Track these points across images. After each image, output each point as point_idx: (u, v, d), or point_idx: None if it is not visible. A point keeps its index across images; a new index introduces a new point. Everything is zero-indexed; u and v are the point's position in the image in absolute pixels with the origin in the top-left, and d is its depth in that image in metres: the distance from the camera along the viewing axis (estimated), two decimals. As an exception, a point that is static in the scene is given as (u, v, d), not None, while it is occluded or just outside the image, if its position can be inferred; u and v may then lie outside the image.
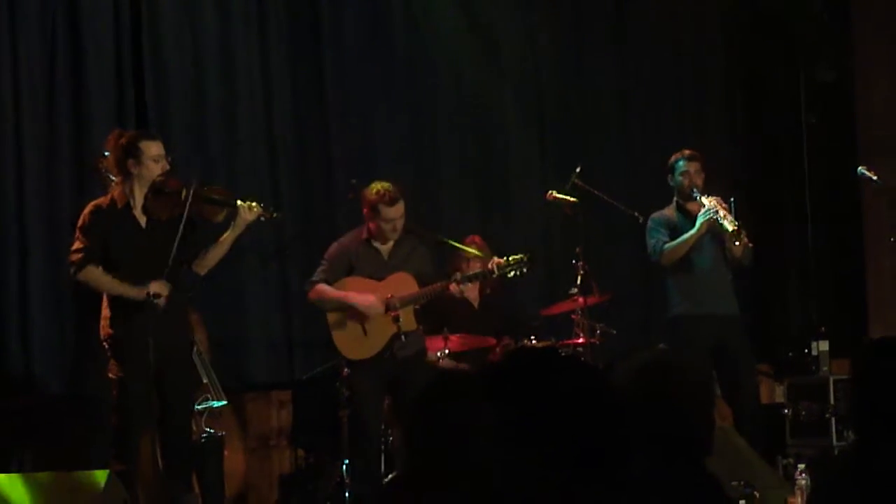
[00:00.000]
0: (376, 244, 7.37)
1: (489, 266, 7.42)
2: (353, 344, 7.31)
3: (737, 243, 7.60)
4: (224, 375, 7.59)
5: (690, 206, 7.82)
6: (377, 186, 7.28)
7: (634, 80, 9.90)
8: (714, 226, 7.64)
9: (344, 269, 7.34)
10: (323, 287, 7.30)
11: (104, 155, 6.81)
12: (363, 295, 7.25)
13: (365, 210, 7.34)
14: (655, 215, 7.92)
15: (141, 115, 8.02)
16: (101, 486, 5.57)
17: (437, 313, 7.75)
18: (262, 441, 8.50)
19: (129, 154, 6.38)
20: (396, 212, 7.27)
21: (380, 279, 7.32)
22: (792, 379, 9.02)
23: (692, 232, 7.70)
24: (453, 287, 7.32)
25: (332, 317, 7.32)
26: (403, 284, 7.32)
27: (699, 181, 7.80)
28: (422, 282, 7.33)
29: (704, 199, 7.70)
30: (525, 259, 7.36)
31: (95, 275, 6.37)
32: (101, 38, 7.93)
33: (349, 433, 7.58)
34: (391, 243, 7.36)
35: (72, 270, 6.41)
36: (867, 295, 10.18)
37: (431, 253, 7.63)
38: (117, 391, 6.30)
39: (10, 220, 7.66)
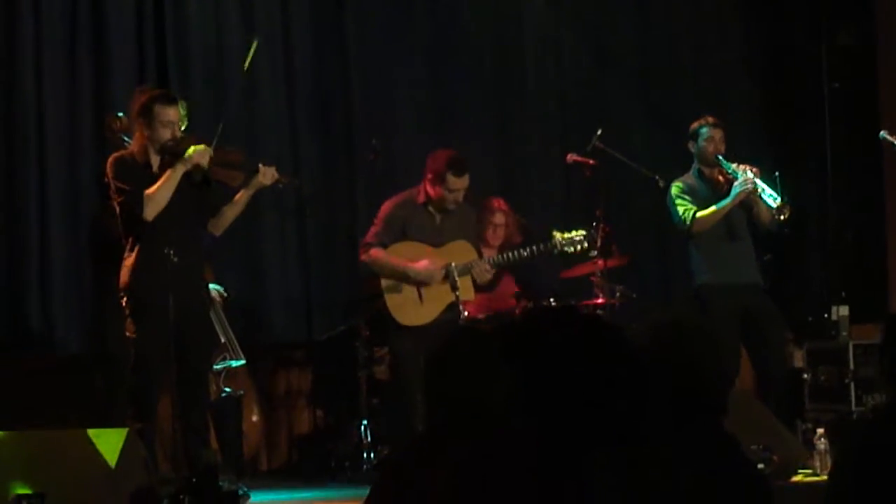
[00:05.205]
0: (431, 209, 7.31)
1: (553, 242, 7.41)
2: (407, 309, 7.23)
3: (782, 217, 7.56)
4: (243, 335, 7.60)
5: (711, 173, 7.75)
6: (447, 154, 7.22)
7: (655, 47, 9.83)
8: (751, 198, 7.57)
9: (398, 232, 7.28)
10: (379, 253, 7.22)
11: (116, 115, 6.82)
12: (421, 262, 7.20)
13: (429, 175, 7.25)
14: (679, 182, 7.83)
15: (162, 72, 8.01)
16: (120, 443, 5.59)
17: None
18: (281, 401, 8.52)
19: (142, 115, 6.36)
20: (463, 183, 7.22)
21: (437, 246, 7.28)
22: (811, 344, 8.98)
23: (727, 201, 7.59)
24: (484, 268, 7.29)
25: (385, 281, 7.27)
26: (463, 252, 7.27)
27: (722, 148, 7.74)
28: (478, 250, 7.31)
29: (741, 170, 7.61)
30: (585, 236, 7.40)
31: (152, 190, 6.28)
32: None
33: (384, 395, 7.56)
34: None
35: (138, 211, 6.25)
36: (888, 259, 10.12)
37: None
38: (135, 350, 6.31)
39: (30, 180, 7.67)
